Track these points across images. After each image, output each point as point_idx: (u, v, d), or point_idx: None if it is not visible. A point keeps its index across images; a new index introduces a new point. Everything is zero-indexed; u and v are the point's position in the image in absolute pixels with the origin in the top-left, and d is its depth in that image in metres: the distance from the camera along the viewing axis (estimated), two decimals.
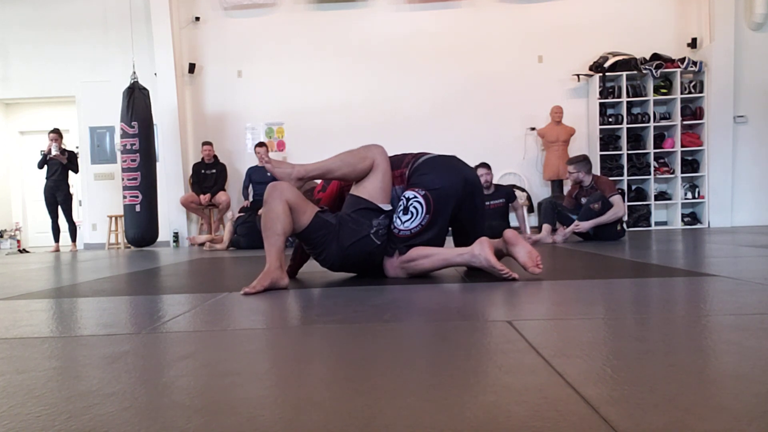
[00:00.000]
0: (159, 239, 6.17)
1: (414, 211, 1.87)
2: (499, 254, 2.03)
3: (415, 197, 1.88)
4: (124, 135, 5.82)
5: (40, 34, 6.74)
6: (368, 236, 1.85)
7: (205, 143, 6.15)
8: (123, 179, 5.87)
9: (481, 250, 1.77)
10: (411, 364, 0.79)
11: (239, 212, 5.22)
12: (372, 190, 1.88)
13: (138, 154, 5.84)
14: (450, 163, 2.00)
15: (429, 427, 0.55)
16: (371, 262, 1.93)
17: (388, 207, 1.90)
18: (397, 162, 2.01)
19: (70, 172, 6.10)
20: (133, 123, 5.84)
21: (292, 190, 1.79)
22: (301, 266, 2.20)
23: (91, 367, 0.84)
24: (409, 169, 1.97)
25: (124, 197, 5.86)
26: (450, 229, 2.16)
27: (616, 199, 4.00)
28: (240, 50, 6.62)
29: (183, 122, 6.56)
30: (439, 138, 6.42)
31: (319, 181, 2.20)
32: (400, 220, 1.88)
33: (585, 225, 3.97)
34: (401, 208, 1.89)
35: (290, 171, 1.84)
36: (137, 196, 5.84)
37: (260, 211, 5.05)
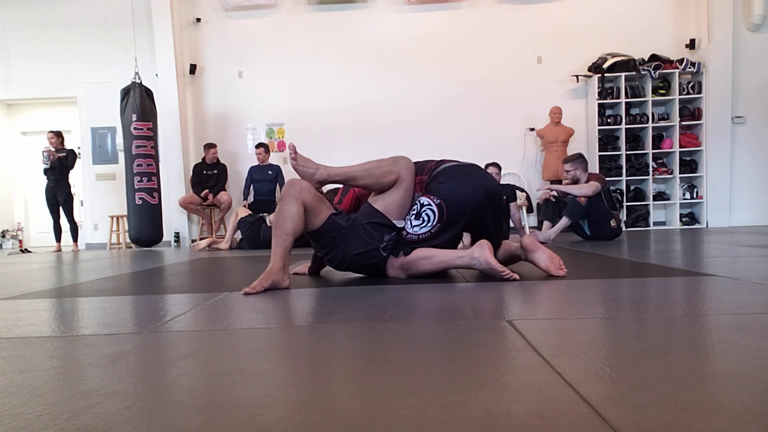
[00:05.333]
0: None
1: (426, 218, 1.85)
2: (515, 258, 2.02)
3: (429, 205, 1.86)
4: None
5: (41, 35, 6.74)
6: (377, 249, 1.86)
7: (210, 146, 6.13)
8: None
9: (481, 253, 1.75)
10: (411, 363, 0.80)
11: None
12: (390, 204, 1.86)
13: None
14: (471, 173, 1.95)
15: (429, 427, 0.55)
16: (375, 269, 1.95)
17: (401, 224, 1.90)
18: (419, 169, 1.99)
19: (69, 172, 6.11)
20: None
21: (310, 190, 1.77)
22: (323, 266, 2.18)
23: (92, 366, 0.85)
24: (429, 176, 1.94)
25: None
26: (470, 233, 2.15)
27: (592, 183, 4.06)
28: (241, 51, 6.62)
29: (184, 123, 6.57)
30: (438, 138, 6.43)
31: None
32: (410, 223, 1.87)
33: (554, 187, 4.20)
34: (414, 212, 1.88)
35: (313, 172, 1.82)
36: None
37: (272, 216, 5.00)
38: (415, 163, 2.03)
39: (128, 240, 6.43)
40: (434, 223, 1.85)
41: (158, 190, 5.99)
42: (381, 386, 0.69)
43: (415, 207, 1.89)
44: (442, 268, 1.88)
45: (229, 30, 6.64)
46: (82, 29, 6.71)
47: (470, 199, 1.89)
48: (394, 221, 1.87)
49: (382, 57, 6.53)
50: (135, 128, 5.82)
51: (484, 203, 1.92)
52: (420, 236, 1.87)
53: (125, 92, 5.85)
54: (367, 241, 1.84)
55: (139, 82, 5.88)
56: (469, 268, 1.84)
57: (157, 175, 5.99)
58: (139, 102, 5.83)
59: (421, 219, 1.86)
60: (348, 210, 2.13)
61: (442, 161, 2.01)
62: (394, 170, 1.86)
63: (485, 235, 2.01)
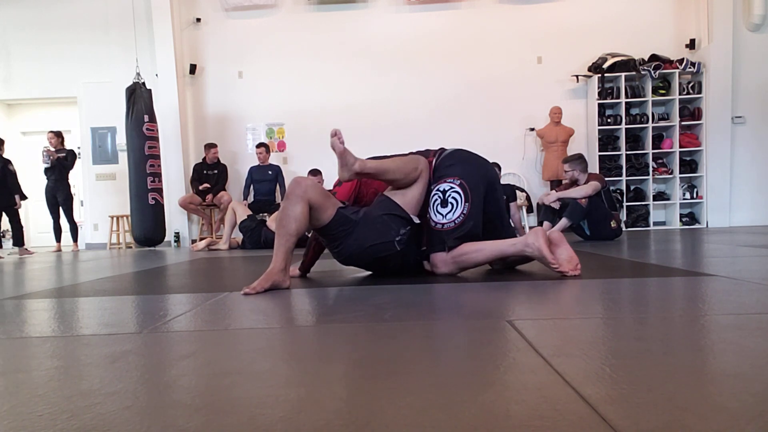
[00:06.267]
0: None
1: (453, 202, 1.86)
2: (528, 258, 2.02)
3: (452, 188, 1.87)
4: None
5: (41, 35, 6.74)
6: (392, 242, 1.85)
7: (211, 145, 6.14)
8: None
9: (536, 240, 1.75)
10: (411, 363, 0.80)
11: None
12: (410, 199, 1.88)
13: None
14: (468, 155, 2.02)
15: (429, 427, 0.55)
16: (384, 264, 1.94)
17: (417, 220, 1.91)
18: (422, 155, 2.02)
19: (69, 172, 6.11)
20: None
21: (315, 188, 1.77)
22: (313, 263, 2.18)
23: (92, 366, 0.85)
24: (436, 160, 1.97)
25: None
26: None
27: (592, 183, 4.07)
28: (241, 51, 6.62)
29: (184, 123, 6.57)
30: (438, 138, 6.39)
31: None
32: (441, 214, 1.87)
33: (553, 196, 4.19)
34: (437, 201, 1.88)
35: (352, 162, 1.78)
36: None
37: (270, 218, 5.02)
38: (418, 152, 2.06)
39: (128, 240, 6.43)
40: (463, 203, 1.86)
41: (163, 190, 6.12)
42: (381, 386, 0.69)
43: (435, 197, 1.89)
44: (495, 256, 1.88)
45: (229, 30, 6.63)
46: (82, 29, 6.70)
47: (482, 177, 1.95)
48: (411, 216, 1.88)
49: (382, 57, 6.53)
50: (147, 129, 5.88)
51: (489, 183, 1.98)
52: (456, 222, 1.85)
53: (131, 92, 5.85)
54: (383, 231, 1.83)
55: (142, 82, 5.90)
56: (521, 255, 1.84)
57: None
58: (148, 103, 5.89)
59: (449, 205, 1.86)
60: (346, 197, 2.12)
61: (442, 149, 2.05)
62: (418, 167, 1.88)
63: (492, 228, 2.03)
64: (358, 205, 2.05)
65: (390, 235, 1.84)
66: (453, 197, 1.86)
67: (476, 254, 1.85)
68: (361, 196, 2.14)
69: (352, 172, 1.79)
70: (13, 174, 5.62)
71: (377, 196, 1.96)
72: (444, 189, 1.88)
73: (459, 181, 1.87)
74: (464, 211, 1.85)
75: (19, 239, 5.53)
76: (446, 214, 1.86)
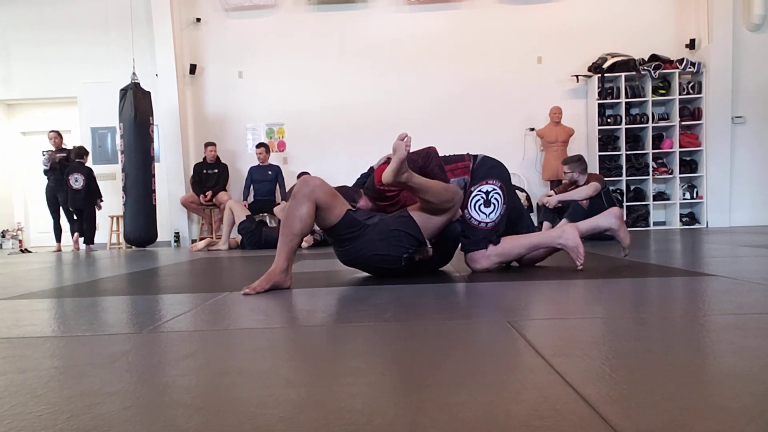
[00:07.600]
0: (159, 239, 6.17)
1: (495, 202, 1.99)
2: (551, 252, 2.24)
3: (495, 189, 2.00)
4: None
5: (41, 35, 6.74)
6: (399, 257, 1.87)
7: (208, 144, 6.15)
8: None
9: (572, 232, 1.97)
10: (411, 363, 0.80)
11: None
12: (431, 226, 1.89)
13: None
14: (497, 161, 2.14)
15: (429, 427, 0.55)
16: (386, 273, 1.96)
17: (429, 246, 1.95)
18: (456, 157, 2.09)
19: None
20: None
21: (323, 187, 1.76)
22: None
23: (92, 366, 0.85)
24: (474, 163, 2.06)
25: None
26: None
27: (592, 183, 4.10)
28: (241, 51, 6.62)
29: (184, 123, 6.57)
30: (438, 138, 6.37)
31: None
32: (485, 214, 1.98)
33: (554, 199, 4.23)
34: (480, 201, 1.99)
35: (404, 171, 1.74)
36: None
37: (276, 210, 4.99)
38: (452, 156, 2.10)
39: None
40: (502, 205, 2.00)
41: None
42: (381, 386, 0.69)
43: (477, 198, 1.99)
44: (532, 248, 2.05)
45: (229, 30, 6.63)
46: (82, 29, 6.70)
47: (508, 180, 2.08)
48: (426, 239, 1.90)
49: (382, 57, 6.53)
50: (152, 131, 5.94)
51: (510, 184, 2.12)
52: (496, 221, 1.99)
53: (133, 93, 5.83)
54: (394, 245, 1.85)
55: (137, 82, 5.89)
56: (553, 245, 2.03)
57: None
58: (150, 104, 5.91)
59: (492, 205, 1.99)
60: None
61: (470, 155, 2.12)
62: (454, 201, 1.89)
63: (509, 224, 2.13)
64: (377, 206, 2.05)
65: (400, 251, 1.86)
66: (495, 198, 2.00)
67: (516, 247, 2.01)
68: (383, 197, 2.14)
69: (398, 180, 1.75)
70: (95, 179, 5.98)
71: (399, 211, 1.95)
72: (487, 190, 2.00)
73: (500, 184, 2.01)
74: (501, 212, 2.00)
75: (90, 237, 5.95)
76: (489, 214, 1.99)
